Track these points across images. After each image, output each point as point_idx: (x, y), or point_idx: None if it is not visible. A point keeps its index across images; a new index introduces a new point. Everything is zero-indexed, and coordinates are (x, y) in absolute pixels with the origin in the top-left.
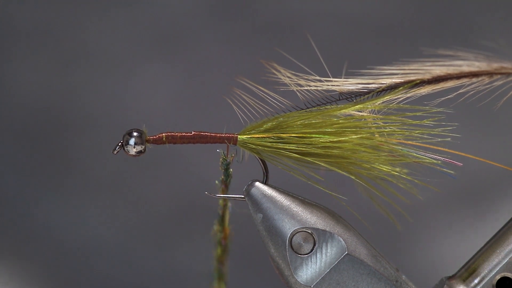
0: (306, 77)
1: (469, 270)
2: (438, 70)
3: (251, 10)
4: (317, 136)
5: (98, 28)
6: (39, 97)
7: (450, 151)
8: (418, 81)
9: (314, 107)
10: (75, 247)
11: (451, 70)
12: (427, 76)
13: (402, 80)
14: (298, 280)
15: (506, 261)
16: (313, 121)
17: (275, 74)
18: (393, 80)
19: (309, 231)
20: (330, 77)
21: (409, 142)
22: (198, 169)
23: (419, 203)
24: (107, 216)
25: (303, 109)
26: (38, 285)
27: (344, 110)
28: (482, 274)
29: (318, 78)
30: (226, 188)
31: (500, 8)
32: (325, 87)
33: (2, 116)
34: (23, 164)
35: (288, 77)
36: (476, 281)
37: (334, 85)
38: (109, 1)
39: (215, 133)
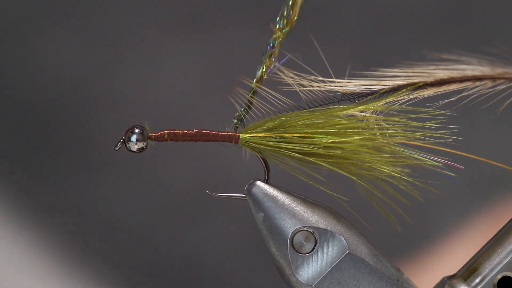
0: (309, 77)
1: (470, 270)
2: (441, 73)
3: None
4: (319, 136)
5: (125, 6)
6: (64, 73)
7: (452, 151)
8: (421, 84)
9: (316, 107)
10: (93, 224)
11: (454, 73)
12: (430, 79)
13: (405, 83)
14: (299, 279)
15: (507, 260)
16: (316, 121)
17: (278, 74)
18: (396, 82)
19: (310, 230)
20: (333, 78)
21: (411, 143)
22: (219, 151)
23: (420, 202)
24: (129, 194)
25: (305, 109)
26: (60, 257)
27: (346, 110)
28: (483, 274)
29: (320, 78)
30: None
31: None
32: (327, 88)
33: (28, 90)
34: (48, 140)
35: (291, 77)
36: (477, 280)
37: (337, 86)
38: None
39: (217, 131)
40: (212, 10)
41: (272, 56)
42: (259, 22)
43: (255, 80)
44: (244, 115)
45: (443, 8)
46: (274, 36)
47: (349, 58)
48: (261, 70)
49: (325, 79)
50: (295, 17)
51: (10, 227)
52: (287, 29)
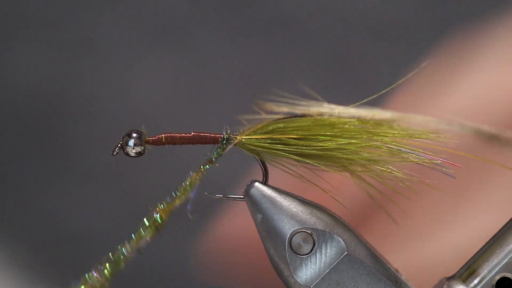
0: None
1: (469, 270)
2: None
3: (255, 4)
4: (316, 135)
5: (100, 18)
6: (39, 85)
7: (450, 150)
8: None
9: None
10: (72, 235)
11: None
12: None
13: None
14: (297, 280)
15: (505, 261)
16: (312, 124)
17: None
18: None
19: (309, 232)
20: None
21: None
22: (196, 159)
23: (421, 202)
24: (104, 205)
25: (299, 116)
26: (35, 271)
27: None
28: (482, 275)
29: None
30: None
31: None
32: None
33: (2, 103)
34: (23, 152)
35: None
36: (475, 281)
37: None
38: None
39: (214, 134)
40: (185, 20)
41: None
42: (230, 31)
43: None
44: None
45: (412, 15)
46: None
47: (321, 67)
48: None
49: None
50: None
51: None
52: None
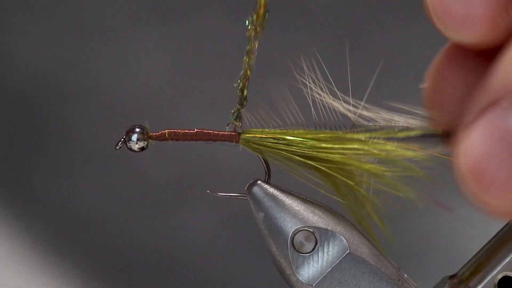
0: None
1: (470, 269)
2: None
3: None
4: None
5: None
6: (37, 66)
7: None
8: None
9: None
10: (73, 216)
11: None
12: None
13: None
14: (299, 279)
15: (507, 260)
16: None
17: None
18: (407, 125)
19: (311, 230)
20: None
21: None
22: (219, 150)
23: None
24: (105, 185)
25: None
26: (37, 254)
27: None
28: (484, 273)
29: (337, 97)
30: None
31: None
32: (341, 109)
33: (3, 85)
34: (21, 133)
35: (310, 88)
36: (477, 280)
37: (349, 110)
38: None
39: (218, 131)
40: (185, 0)
41: (251, 53)
42: (232, 12)
43: (240, 81)
44: (239, 112)
45: None
46: (249, 33)
47: (327, 46)
48: (244, 70)
49: (342, 99)
50: (263, 11)
51: None
52: (259, 25)
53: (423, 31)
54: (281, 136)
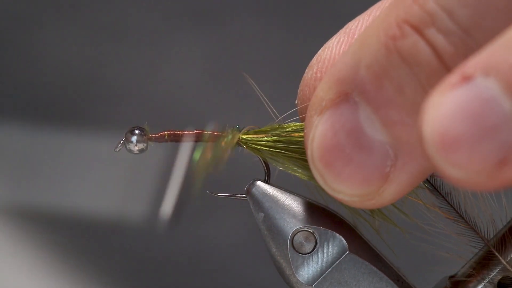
0: None
1: (470, 269)
2: None
3: None
4: None
5: None
6: (71, 66)
7: None
8: None
9: None
10: (97, 221)
11: None
12: None
13: None
14: (299, 279)
15: (507, 260)
16: None
17: None
18: None
19: (311, 230)
20: None
21: None
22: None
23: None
24: (129, 189)
25: None
26: (62, 257)
27: None
28: (484, 273)
29: None
30: None
31: None
32: None
33: (34, 85)
34: (54, 132)
35: None
36: (477, 280)
37: None
38: None
39: (216, 132)
40: (218, 2)
41: None
42: (265, 14)
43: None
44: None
45: None
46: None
47: None
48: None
49: None
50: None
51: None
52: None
53: None
54: (280, 137)
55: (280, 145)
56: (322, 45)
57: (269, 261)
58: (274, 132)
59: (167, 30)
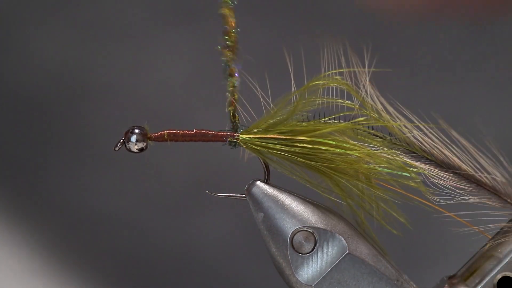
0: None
1: (470, 269)
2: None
3: None
4: (323, 140)
5: None
6: (55, 65)
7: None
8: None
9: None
10: (89, 218)
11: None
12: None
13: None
14: (299, 279)
15: (507, 260)
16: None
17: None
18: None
19: (310, 230)
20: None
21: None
22: (219, 150)
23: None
24: (118, 188)
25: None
26: (53, 255)
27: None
28: (483, 273)
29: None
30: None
31: None
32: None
33: (17, 84)
34: (39, 133)
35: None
36: (477, 280)
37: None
38: None
39: (217, 132)
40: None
41: (231, 74)
42: (251, 11)
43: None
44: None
45: None
46: (224, 57)
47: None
48: (229, 91)
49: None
50: (233, 31)
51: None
52: (233, 44)
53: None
54: (280, 136)
55: (281, 146)
56: (309, 44)
57: (263, 259)
58: (275, 130)
59: (151, 28)
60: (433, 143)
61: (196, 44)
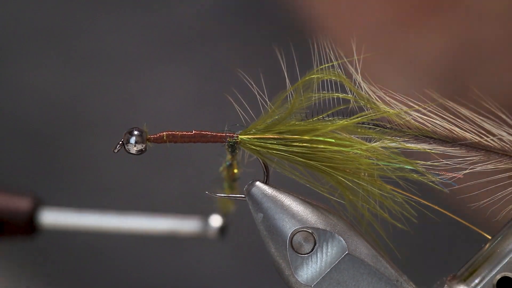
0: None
1: (469, 270)
2: (467, 134)
3: (266, 13)
4: (323, 139)
5: (110, 29)
6: (50, 97)
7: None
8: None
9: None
10: (84, 247)
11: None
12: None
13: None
14: (298, 279)
15: (506, 260)
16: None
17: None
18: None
19: (310, 231)
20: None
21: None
22: (209, 169)
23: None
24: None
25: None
26: (51, 280)
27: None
28: (483, 274)
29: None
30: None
31: None
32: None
33: (14, 116)
34: (35, 165)
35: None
36: (476, 281)
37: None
38: (121, 2)
39: (215, 133)
40: (195, 30)
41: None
42: (244, 42)
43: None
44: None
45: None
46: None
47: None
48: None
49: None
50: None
51: None
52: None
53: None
54: (278, 137)
55: (280, 146)
56: (299, 72)
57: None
58: (274, 130)
59: (147, 61)
60: (434, 121)
61: (188, 76)
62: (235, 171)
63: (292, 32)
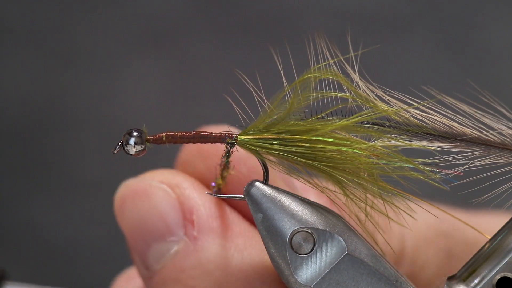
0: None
1: (469, 270)
2: (467, 130)
3: (241, 4)
4: (322, 139)
5: (88, 26)
6: (27, 95)
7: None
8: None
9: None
10: (62, 246)
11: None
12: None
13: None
14: (298, 279)
15: (506, 261)
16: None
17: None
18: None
19: (309, 231)
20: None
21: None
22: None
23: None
24: (96, 214)
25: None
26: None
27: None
28: (482, 274)
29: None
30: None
31: None
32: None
33: None
34: (11, 163)
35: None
36: (476, 281)
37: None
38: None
39: (215, 133)
40: (171, 25)
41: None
42: (219, 37)
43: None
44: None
45: (404, 8)
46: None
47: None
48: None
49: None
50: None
51: None
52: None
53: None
54: (277, 137)
55: (278, 146)
56: (276, 64)
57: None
58: (275, 130)
59: (124, 57)
60: (433, 117)
61: (168, 71)
62: (232, 172)
63: (264, 22)
